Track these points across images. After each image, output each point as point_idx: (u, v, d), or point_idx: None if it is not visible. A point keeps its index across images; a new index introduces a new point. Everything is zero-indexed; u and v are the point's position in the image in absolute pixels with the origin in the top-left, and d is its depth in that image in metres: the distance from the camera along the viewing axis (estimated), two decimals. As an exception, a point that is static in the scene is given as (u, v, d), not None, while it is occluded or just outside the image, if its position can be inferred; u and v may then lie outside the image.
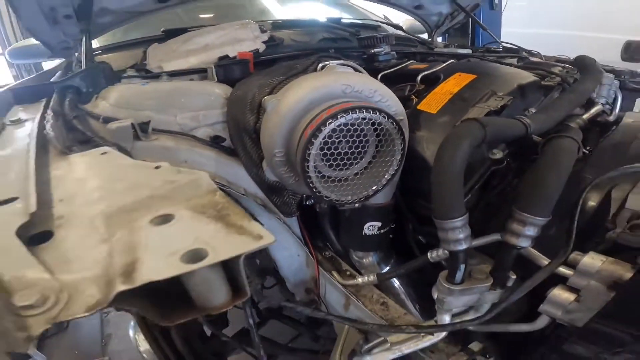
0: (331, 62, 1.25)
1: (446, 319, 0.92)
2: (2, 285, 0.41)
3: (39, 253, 0.47)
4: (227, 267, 0.47)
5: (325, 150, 0.93)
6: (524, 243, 0.82)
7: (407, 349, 0.93)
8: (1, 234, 0.50)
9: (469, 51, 2.05)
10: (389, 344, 0.95)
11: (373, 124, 0.94)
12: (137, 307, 0.42)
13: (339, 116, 0.88)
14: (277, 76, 1.21)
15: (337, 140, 0.94)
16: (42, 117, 1.01)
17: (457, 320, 0.91)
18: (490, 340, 0.99)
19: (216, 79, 1.43)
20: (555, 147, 0.88)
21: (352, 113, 0.89)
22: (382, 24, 2.60)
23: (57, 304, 0.38)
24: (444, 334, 0.92)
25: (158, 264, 0.42)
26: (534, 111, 1.09)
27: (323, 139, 0.91)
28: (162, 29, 1.91)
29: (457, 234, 0.82)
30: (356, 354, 0.97)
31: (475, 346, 0.96)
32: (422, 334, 0.93)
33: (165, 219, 0.53)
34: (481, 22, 3.09)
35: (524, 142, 0.96)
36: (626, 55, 3.76)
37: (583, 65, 1.25)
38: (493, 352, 0.95)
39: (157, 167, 0.68)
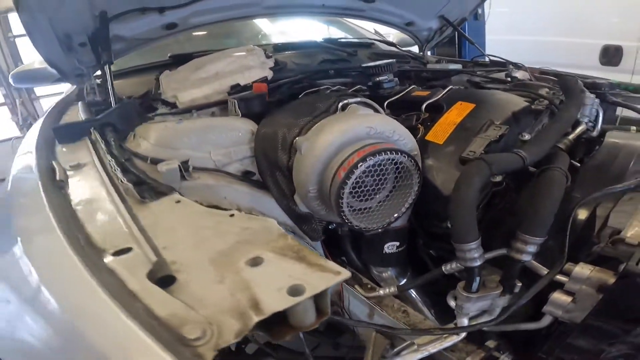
0: (350, 100, 1.37)
1: (465, 321, 1.06)
2: (161, 321, 0.56)
3: (173, 294, 0.61)
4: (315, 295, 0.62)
5: (357, 188, 1.08)
6: (527, 258, 0.99)
7: (432, 349, 1.06)
8: (136, 279, 0.65)
9: (459, 66, 2.18)
10: (416, 346, 1.09)
11: (394, 162, 1.10)
12: (261, 330, 0.57)
13: (367, 159, 1.04)
14: (302, 116, 1.33)
15: (366, 179, 1.09)
16: (104, 162, 1.10)
17: (475, 323, 1.06)
18: (503, 339, 1.12)
19: (240, 113, 1.52)
20: (548, 179, 1.04)
21: (378, 155, 1.05)
22: (375, 41, 2.74)
23: (213, 335, 0.52)
24: (464, 334, 1.06)
25: (273, 298, 0.57)
26: (527, 136, 1.24)
27: (355, 179, 1.06)
28: (169, 55, 1.99)
29: (473, 253, 0.98)
30: (385, 358, 1.10)
31: (490, 344, 1.09)
32: (445, 336, 1.08)
33: (256, 261, 0.68)
34: (466, 32, 3.23)
35: (521, 171, 1.11)
36: (604, 59, 3.97)
37: (566, 88, 1.39)
38: (506, 349, 1.08)
39: (231, 215, 0.83)
